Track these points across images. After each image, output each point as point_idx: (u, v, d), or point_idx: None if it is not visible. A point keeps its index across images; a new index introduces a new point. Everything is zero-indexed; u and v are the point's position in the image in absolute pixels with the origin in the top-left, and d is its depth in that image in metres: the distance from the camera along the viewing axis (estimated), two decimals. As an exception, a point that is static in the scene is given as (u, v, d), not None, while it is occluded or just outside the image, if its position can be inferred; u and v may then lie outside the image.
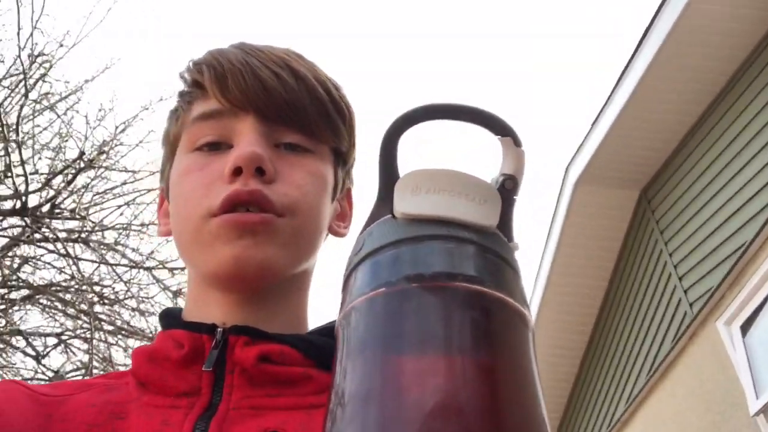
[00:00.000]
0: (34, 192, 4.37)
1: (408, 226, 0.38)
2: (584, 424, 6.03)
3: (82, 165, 4.64)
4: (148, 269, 4.83)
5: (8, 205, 4.33)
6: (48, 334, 4.82)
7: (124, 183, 5.15)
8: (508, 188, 0.41)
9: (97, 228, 4.80)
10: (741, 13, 3.83)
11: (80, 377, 4.58)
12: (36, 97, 4.94)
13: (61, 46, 4.87)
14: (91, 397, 0.54)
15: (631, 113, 4.42)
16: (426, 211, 0.38)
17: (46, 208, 4.38)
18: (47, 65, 4.84)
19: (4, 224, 4.51)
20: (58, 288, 4.71)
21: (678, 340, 4.44)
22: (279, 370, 0.53)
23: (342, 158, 0.65)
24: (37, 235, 4.35)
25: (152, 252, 4.99)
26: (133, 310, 4.84)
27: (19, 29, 4.26)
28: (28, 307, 4.84)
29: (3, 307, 4.48)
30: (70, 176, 4.62)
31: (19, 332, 4.57)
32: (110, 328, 4.67)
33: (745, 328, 3.86)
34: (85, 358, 4.47)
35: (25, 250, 4.77)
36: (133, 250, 5.02)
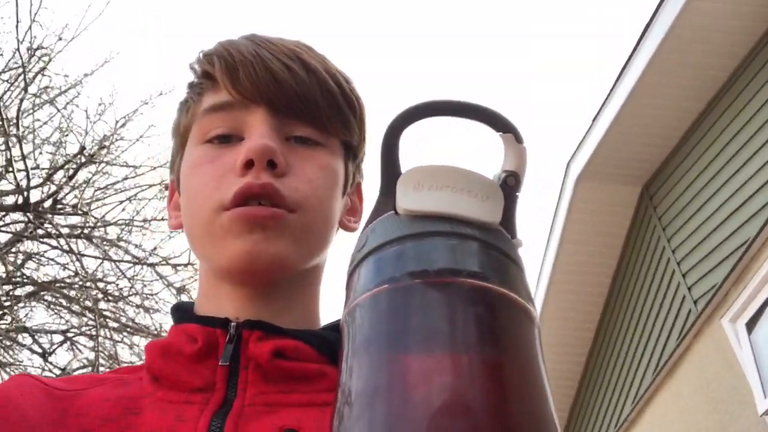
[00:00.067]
0: (35, 187, 4.37)
1: (411, 222, 0.38)
2: (591, 424, 6.02)
3: (83, 160, 4.64)
4: (152, 265, 4.83)
5: (10, 200, 4.34)
6: (54, 331, 4.82)
7: (126, 178, 5.15)
8: (510, 185, 0.41)
9: (99, 224, 4.80)
10: (741, 10, 3.82)
11: (85, 374, 4.57)
12: (35, 91, 4.92)
13: (60, 39, 4.85)
14: (106, 392, 0.54)
15: (631, 109, 4.41)
16: (429, 208, 0.38)
17: (48, 204, 4.37)
18: (46, 59, 4.82)
19: (7, 220, 4.52)
20: (63, 284, 4.71)
21: (683, 338, 4.43)
22: (293, 366, 0.53)
23: (352, 152, 0.64)
24: (40, 231, 4.35)
25: (155, 248, 4.99)
26: (138, 306, 4.84)
27: (17, 22, 4.24)
28: (33, 303, 4.84)
29: (8, 303, 4.49)
30: (71, 171, 4.61)
31: (25, 329, 4.57)
32: (115, 325, 4.67)
33: (751, 325, 3.85)
34: (92, 355, 4.47)
35: (28, 246, 4.78)
36: (136, 246, 5.02)
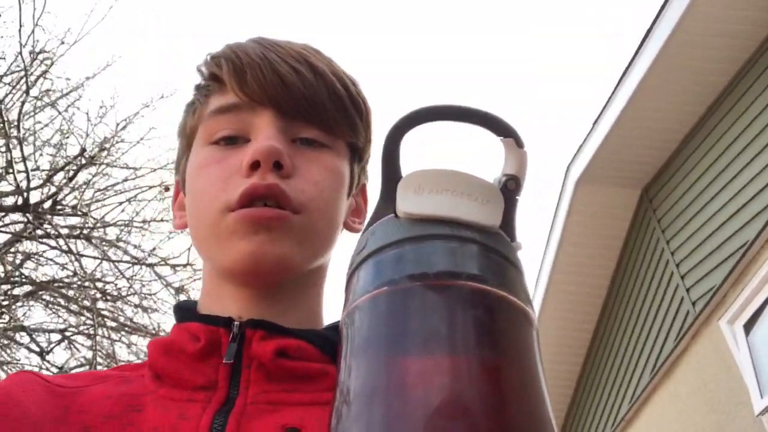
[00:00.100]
0: (35, 188, 4.38)
1: (411, 225, 0.38)
2: (588, 423, 6.03)
3: (84, 162, 4.65)
4: (150, 266, 4.84)
5: (10, 201, 4.34)
6: (51, 331, 4.82)
7: (125, 180, 5.16)
8: (510, 188, 0.42)
9: (98, 224, 4.81)
10: (743, 14, 3.83)
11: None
12: (37, 94, 4.95)
13: (63, 43, 4.88)
14: (108, 389, 0.54)
15: (632, 112, 4.41)
16: (429, 211, 0.39)
17: (47, 205, 4.38)
18: (48, 62, 4.85)
19: (6, 220, 4.52)
20: (61, 284, 4.71)
21: (681, 340, 4.44)
22: (296, 366, 0.53)
23: (358, 154, 0.65)
24: (39, 232, 4.35)
25: (154, 249, 5.00)
26: (136, 306, 4.85)
27: (20, 26, 4.27)
28: (32, 303, 4.84)
29: (6, 303, 4.49)
30: (71, 173, 4.63)
31: (23, 328, 4.57)
32: (113, 324, 4.67)
33: (748, 327, 3.86)
34: (89, 354, 4.47)
35: (27, 246, 4.78)
36: (135, 246, 5.03)
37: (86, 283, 4.47)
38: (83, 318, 4.69)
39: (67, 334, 4.80)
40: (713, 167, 4.22)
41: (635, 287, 5.18)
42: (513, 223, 0.42)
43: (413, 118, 0.42)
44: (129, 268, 4.80)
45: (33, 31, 4.47)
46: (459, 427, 0.30)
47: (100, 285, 4.75)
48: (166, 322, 4.81)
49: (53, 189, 4.52)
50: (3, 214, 4.33)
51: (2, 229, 4.47)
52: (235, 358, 0.53)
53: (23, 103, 4.45)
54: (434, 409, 0.30)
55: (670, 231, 4.67)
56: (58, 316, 4.93)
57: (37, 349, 4.61)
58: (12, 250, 4.63)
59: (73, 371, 4.58)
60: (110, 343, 4.53)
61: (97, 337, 4.28)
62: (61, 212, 4.52)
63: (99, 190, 5.09)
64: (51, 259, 4.78)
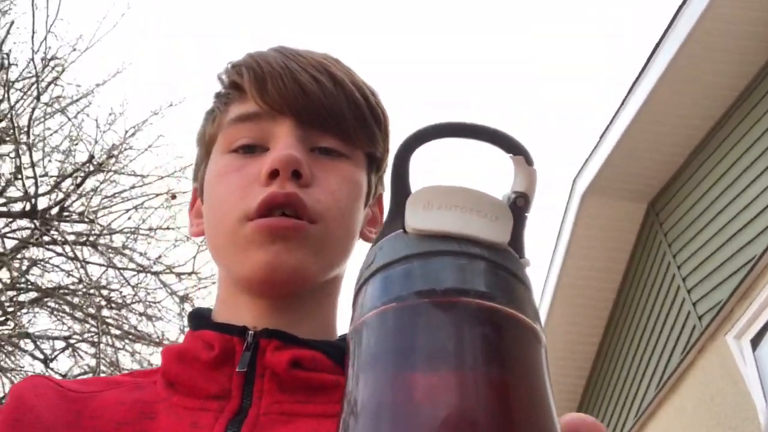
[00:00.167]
0: (43, 194, 4.39)
1: (419, 241, 0.38)
2: (592, 437, 5.99)
3: (92, 168, 4.67)
4: (156, 274, 4.84)
5: (18, 207, 4.36)
6: (56, 338, 4.83)
7: (133, 187, 5.18)
8: (519, 206, 0.42)
9: (105, 231, 4.82)
10: (753, 30, 3.84)
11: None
12: (47, 100, 4.98)
13: (74, 50, 4.92)
14: (121, 395, 0.54)
15: (640, 126, 4.42)
16: (438, 227, 0.38)
17: (55, 211, 4.40)
18: (59, 69, 4.89)
19: (14, 226, 4.54)
20: (66, 291, 4.73)
21: (687, 354, 4.42)
22: (311, 377, 0.53)
23: (376, 164, 0.65)
24: (46, 238, 4.37)
25: (160, 256, 5.01)
26: (141, 314, 4.85)
27: (33, 33, 4.30)
28: (36, 310, 4.86)
29: (11, 309, 4.50)
30: (79, 179, 4.64)
31: (27, 335, 4.58)
32: (117, 332, 4.67)
33: (756, 342, 3.84)
34: (93, 362, 4.47)
35: (33, 252, 4.80)
36: (141, 254, 5.04)
37: (91, 291, 4.48)
38: (87, 325, 4.70)
39: (71, 341, 4.80)
40: (721, 182, 4.21)
41: (641, 301, 5.16)
42: (522, 239, 0.42)
43: (423, 135, 0.42)
44: (134, 275, 4.82)
45: (45, 38, 4.51)
46: (466, 445, 0.30)
47: (105, 292, 4.76)
48: (170, 330, 4.82)
49: (61, 195, 4.54)
50: (11, 219, 4.35)
51: (9, 234, 4.49)
52: (249, 367, 0.53)
53: (34, 109, 4.48)
54: (441, 425, 0.30)
55: (677, 245, 4.66)
56: (63, 324, 4.94)
57: (41, 357, 4.62)
58: (18, 256, 4.65)
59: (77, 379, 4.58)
60: (114, 351, 4.53)
61: (101, 345, 4.28)
62: (68, 219, 4.54)
63: (106, 197, 5.11)
64: (57, 266, 4.80)
